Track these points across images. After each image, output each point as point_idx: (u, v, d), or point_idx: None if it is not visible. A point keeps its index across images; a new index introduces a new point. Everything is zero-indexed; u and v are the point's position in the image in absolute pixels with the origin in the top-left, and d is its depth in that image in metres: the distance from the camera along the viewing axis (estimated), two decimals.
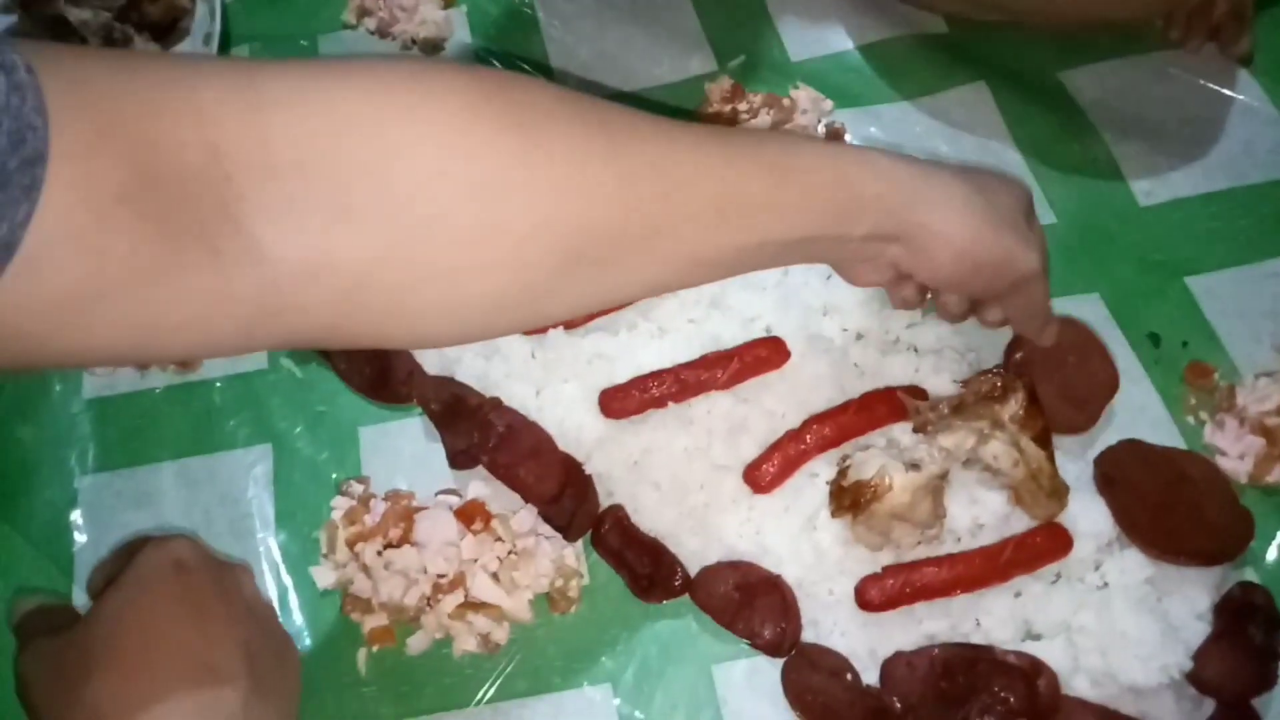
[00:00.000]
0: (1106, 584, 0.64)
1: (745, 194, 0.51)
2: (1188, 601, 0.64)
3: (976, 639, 0.63)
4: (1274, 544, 0.67)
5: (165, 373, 0.78)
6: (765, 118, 0.85)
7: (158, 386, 0.78)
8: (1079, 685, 0.62)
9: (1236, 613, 0.63)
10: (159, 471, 0.74)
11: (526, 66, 0.91)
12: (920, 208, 0.56)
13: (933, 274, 0.60)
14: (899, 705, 0.62)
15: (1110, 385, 0.72)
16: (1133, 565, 0.64)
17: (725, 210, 0.51)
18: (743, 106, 0.87)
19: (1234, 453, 0.69)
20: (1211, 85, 0.88)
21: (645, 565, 0.67)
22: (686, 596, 0.66)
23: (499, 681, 0.65)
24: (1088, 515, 0.66)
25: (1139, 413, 0.72)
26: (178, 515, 0.72)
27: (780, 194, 0.52)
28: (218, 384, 0.78)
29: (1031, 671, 0.61)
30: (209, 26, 0.94)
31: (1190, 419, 0.72)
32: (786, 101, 0.87)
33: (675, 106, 0.89)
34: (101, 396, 0.78)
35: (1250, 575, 0.66)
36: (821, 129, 0.86)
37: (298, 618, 0.68)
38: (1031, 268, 0.60)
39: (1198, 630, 0.63)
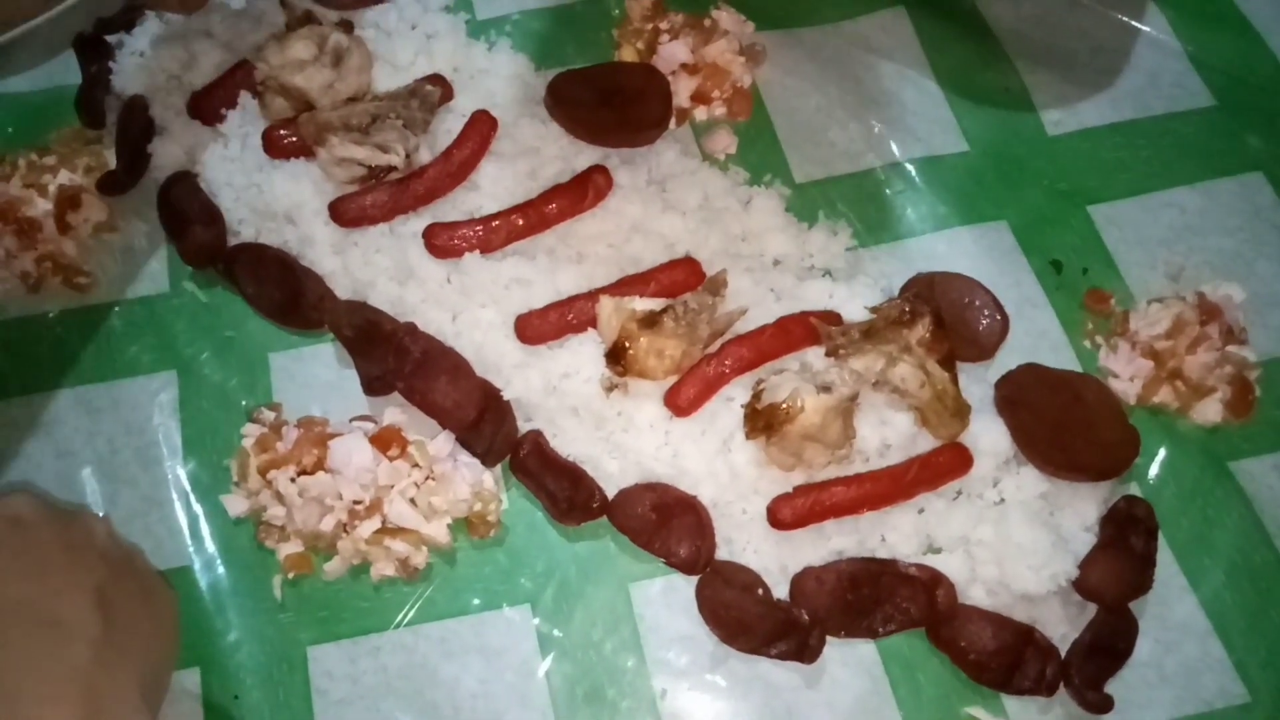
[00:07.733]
0: (1003, 500, 0.67)
1: None
2: (1077, 515, 0.68)
3: (882, 554, 0.66)
4: (1156, 460, 0.71)
5: (59, 297, 0.75)
6: (685, 39, 0.84)
7: (51, 311, 0.74)
8: (975, 594, 0.65)
9: (1120, 524, 0.67)
10: (56, 399, 0.71)
11: None
12: None
13: None
14: (807, 617, 0.64)
15: (1002, 329, 0.73)
16: (1029, 481, 0.68)
17: None
18: (664, 25, 0.85)
19: (1125, 375, 0.73)
20: (1121, 16, 0.89)
21: (564, 489, 0.67)
22: (605, 518, 0.67)
23: (418, 604, 0.66)
24: (988, 435, 0.68)
25: (1040, 337, 0.75)
26: (79, 444, 0.70)
27: None
28: (116, 309, 0.75)
29: (931, 583, 0.65)
30: None
31: (1087, 343, 0.75)
32: (707, 22, 0.86)
33: (595, 25, 0.87)
34: None
35: (1134, 489, 0.70)
36: None
37: (210, 546, 0.67)
38: None
39: (1085, 541, 0.67)
